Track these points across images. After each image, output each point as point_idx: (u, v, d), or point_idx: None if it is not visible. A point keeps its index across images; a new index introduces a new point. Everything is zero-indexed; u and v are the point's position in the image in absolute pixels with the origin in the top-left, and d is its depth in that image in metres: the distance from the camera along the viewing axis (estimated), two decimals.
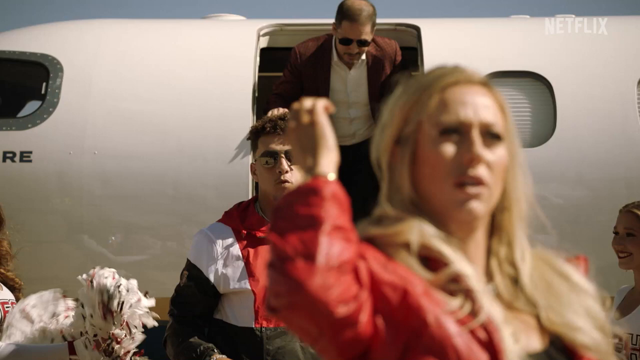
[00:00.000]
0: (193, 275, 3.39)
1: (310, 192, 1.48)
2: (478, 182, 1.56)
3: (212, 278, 3.36)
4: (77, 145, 5.51)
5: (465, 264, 1.52)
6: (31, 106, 6.32)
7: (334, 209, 1.46)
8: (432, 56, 5.74)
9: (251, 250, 3.36)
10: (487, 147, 1.58)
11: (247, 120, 5.47)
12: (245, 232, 3.37)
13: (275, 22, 6.11)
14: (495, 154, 1.59)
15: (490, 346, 1.45)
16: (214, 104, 5.59)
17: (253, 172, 3.51)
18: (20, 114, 6.23)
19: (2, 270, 4.09)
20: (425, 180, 1.59)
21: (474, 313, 1.47)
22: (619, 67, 5.77)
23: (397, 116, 1.63)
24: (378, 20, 5.69)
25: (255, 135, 3.46)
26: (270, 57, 6.07)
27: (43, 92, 5.73)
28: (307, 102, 1.61)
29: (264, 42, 6.02)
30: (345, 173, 5.54)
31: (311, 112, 1.60)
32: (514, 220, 1.62)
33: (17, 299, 4.10)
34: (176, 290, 3.45)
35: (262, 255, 3.35)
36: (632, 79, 5.69)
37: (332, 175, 1.52)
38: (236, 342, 3.32)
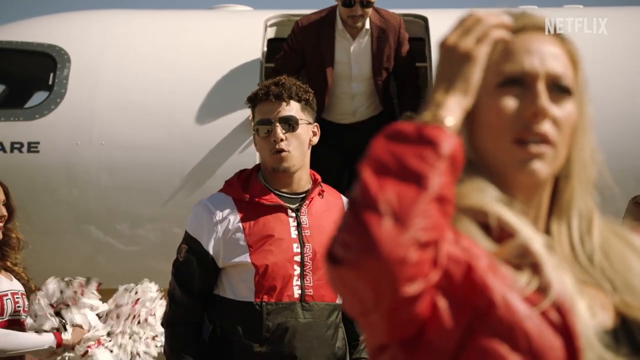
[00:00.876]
0: (192, 248, 3.18)
1: (427, 142, 1.25)
2: (542, 139, 1.37)
3: (211, 251, 3.15)
4: (84, 135, 5.52)
5: (533, 234, 1.33)
6: (38, 97, 6.33)
7: (446, 175, 1.24)
8: None
9: (252, 221, 3.14)
10: (554, 101, 1.39)
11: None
12: (247, 198, 3.15)
13: (282, 12, 6.10)
14: (563, 110, 1.40)
15: (564, 329, 1.27)
16: (221, 95, 5.59)
17: (255, 144, 3.32)
18: (28, 105, 6.24)
19: (9, 264, 4.09)
20: (482, 137, 1.40)
21: (542, 290, 1.29)
22: (627, 57, 5.75)
23: None
24: None
25: (253, 104, 3.27)
26: (277, 48, 6.06)
27: (50, 82, 5.74)
28: (483, 25, 1.37)
29: (271, 33, 6.01)
30: (345, 153, 5.53)
31: (479, 40, 1.35)
32: (580, 187, 1.44)
33: (28, 290, 4.09)
34: (175, 266, 3.24)
35: (264, 224, 3.14)
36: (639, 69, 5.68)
37: (450, 120, 1.29)
38: (234, 317, 3.13)
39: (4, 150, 5.49)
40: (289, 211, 3.18)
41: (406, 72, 5.71)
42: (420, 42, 5.87)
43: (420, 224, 1.21)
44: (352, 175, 5.67)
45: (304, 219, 3.18)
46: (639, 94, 5.61)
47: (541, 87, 1.39)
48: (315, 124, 3.29)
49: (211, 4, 6.75)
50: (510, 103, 1.39)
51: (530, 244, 1.32)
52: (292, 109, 3.19)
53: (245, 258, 3.12)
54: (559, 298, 1.29)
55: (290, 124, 3.17)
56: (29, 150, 5.50)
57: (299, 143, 3.18)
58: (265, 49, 5.81)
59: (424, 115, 1.31)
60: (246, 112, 5.39)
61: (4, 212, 4.09)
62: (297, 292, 3.13)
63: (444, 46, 1.37)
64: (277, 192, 3.19)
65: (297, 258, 3.14)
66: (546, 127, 1.38)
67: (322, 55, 5.55)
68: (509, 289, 1.28)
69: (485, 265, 1.28)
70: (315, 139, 3.28)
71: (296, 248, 3.15)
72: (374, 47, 5.57)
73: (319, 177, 3.28)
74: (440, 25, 5.90)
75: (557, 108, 1.40)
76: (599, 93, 5.62)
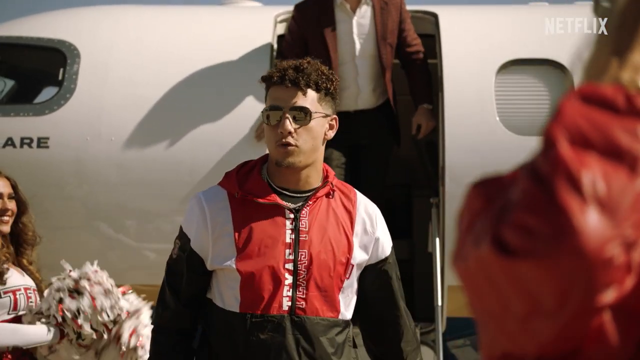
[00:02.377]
0: (182, 245, 2.86)
1: (636, 114, 0.96)
2: None
3: (198, 251, 2.82)
4: (94, 131, 5.52)
5: None
6: (48, 92, 6.33)
7: None
8: (451, 43, 5.69)
9: (243, 221, 2.78)
10: None
11: (264, 107, 5.45)
12: (239, 195, 2.80)
13: (292, 8, 6.08)
14: None
15: None
16: (231, 91, 5.58)
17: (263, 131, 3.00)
18: (38, 100, 6.24)
19: (25, 262, 4.06)
20: None
21: None
22: None
23: None
24: None
25: (266, 85, 2.90)
26: None
27: (60, 78, 5.74)
28: None
29: (281, 29, 6.00)
30: (348, 145, 5.44)
31: None
32: None
33: (40, 290, 4.07)
34: (168, 263, 2.93)
35: (256, 226, 2.79)
36: None
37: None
38: (220, 327, 2.81)
39: (14, 146, 5.50)
40: (287, 212, 2.80)
41: (412, 52, 5.63)
42: (431, 38, 5.85)
43: (632, 218, 0.93)
44: (353, 168, 5.59)
45: (304, 221, 2.80)
46: None
47: None
48: (334, 116, 2.91)
49: None
50: None
51: None
52: (308, 99, 2.82)
53: (232, 263, 2.76)
54: None
55: (303, 115, 2.81)
56: (38, 146, 5.50)
57: (311, 137, 2.81)
58: (276, 44, 5.80)
59: (618, 76, 1.03)
60: (256, 107, 5.38)
61: (8, 205, 4.05)
62: (286, 303, 2.75)
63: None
64: (278, 188, 2.84)
65: (289, 266, 2.76)
66: None
67: (323, 34, 5.47)
68: None
69: None
70: (332, 133, 2.91)
71: (289, 254, 2.77)
72: (376, 20, 5.50)
73: (331, 174, 2.92)
74: (451, 21, 5.88)
75: None
76: None
